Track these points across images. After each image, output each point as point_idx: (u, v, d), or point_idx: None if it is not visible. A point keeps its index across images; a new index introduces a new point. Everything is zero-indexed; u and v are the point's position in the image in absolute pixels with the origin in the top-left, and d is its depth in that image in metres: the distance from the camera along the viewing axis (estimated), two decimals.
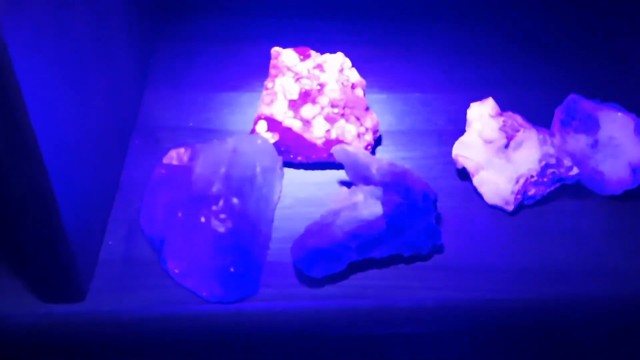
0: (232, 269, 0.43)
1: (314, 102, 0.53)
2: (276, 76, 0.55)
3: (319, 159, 0.52)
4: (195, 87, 0.60)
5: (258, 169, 0.48)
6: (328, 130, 0.52)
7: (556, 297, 0.45)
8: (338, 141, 0.52)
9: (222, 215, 0.44)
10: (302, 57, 0.56)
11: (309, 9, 0.70)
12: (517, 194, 0.50)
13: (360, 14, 0.70)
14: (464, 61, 0.65)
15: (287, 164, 0.53)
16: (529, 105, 0.58)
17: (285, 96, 0.53)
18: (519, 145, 0.50)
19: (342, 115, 0.53)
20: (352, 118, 0.53)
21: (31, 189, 0.36)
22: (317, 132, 0.52)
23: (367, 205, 0.45)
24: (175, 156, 0.49)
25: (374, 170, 0.47)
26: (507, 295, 0.45)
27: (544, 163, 0.50)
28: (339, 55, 0.57)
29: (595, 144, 0.51)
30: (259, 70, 0.61)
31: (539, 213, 0.50)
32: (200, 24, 0.68)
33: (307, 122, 0.53)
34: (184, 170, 0.47)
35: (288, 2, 0.70)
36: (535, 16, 0.71)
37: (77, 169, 0.41)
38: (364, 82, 0.56)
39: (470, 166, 0.51)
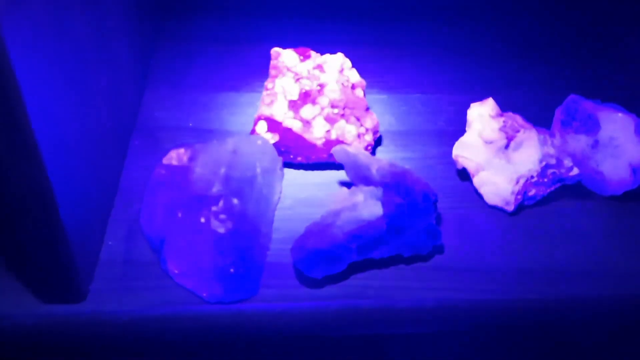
0: (232, 270, 0.43)
1: (314, 102, 0.53)
2: (276, 77, 0.55)
3: (319, 160, 0.52)
4: (195, 87, 0.60)
5: (258, 170, 0.48)
6: (328, 131, 0.52)
7: (556, 298, 0.45)
8: (338, 142, 0.52)
9: (222, 216, 0.44)
10: (302, 57, 0.56)
11: (309, 9, 0.70)
12: (518, 194, 0.49)
13: (361, 14, 0.70)
14: (464, 61, 0.65)
15: (287, 164, 0.53)
16: (529, 105, 0.58)
17: (285, 97, 0.53)
18: (519, 145, 0.50)
19: (342, 115, 0.53)
20: (352, 118, 0.53)
21: (31, 189, 0.36)
22: (317, 133, 0.52)
23: (367, 205, 0.45)
24: (175, 156, 0.49)
25: (374, 171, 0.47)
26: (507, 295, 0.45)
27: (544, 163, 0.50)
28: (339, 55, 0.57)
29: (595, 145, 0.51)
30: (259, 71, 0.61)
31: (539, 213, 0.50)
32: (200, 24, 0.68)
33: (307, 123, 0.53)
34: (184, 171, 0.47)
35: (288, 2, 0.70)
36: (536, 17, 0.71)
37: (77, 170, 0.41)
38: (364, 82, 0.56)
39: (470, 167, 0.51)
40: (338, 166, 0.51)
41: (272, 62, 0.56)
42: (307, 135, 0.52)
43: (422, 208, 0.46)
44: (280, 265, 0.45)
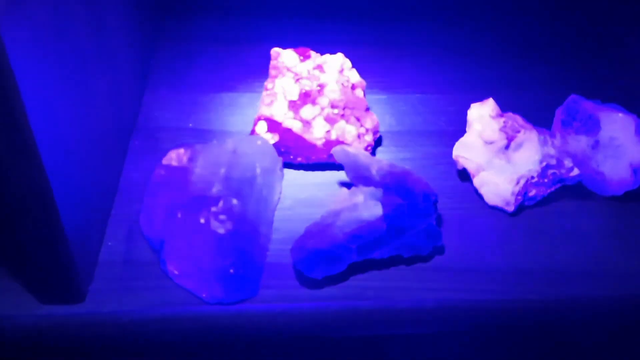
0: (231, 270, 0.43)
1: (314, 102, 0.53)
2: (276, 77, 0.55)
3: (319, 160, 0.52)
4: (195, 87, 0.60)
5: (258, 170, 0.48)
6: (328, 131, 0.52)
7: (556, 298, 0.45)
8: (338, 142, 0.52)
9: (222, 217, 0.44)
10: (302, 57, 0.56)
11: (309, 9, 0.70)
12: (518, 194, 0.49)
13: (360, 14, 0.70)
14: (465, 62, 0.65)
15: (287, 164, 0.53)
16: (530, 106, 0.58)
17: (285, 97, 0.53)
18: (520, 146, 0.50)
19: (342, 116, 0.53)
20: (352, 119, 0.53)
21: (30, 190, 0.36)
22: (317, 133, 0.52)
23: (367, 206, 0.45)
24: (175, 157, 0.49)
25: (374, 171, 0.47)
26: (507, 296, 0.45)
27: (544, 164, 0.50)
28: (339, 55, 0.57)
29: (596, 145, 0.51)
30: (259, 71, 0.61)
31: (539, 214, 0.50)
32: (200, 24, 0.68)
33: (307, 123, 0.52)
34: (184, 171, 0.47)
35: (288, 3, 0.70)
36: (536, 17, 0.71)
37: (76, 170, 0.41)
38: (364, 82, 0.56)
39: (470, 167, 0.51)
40: (338, 167, 0.51)
41: (272, 62, 0.56)
42: (307, 136, 0.52)
43: (422, 208, 0.46)
44: (280, 265, 0.45)
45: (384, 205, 0.45)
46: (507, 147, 0.51)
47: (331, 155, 0.51)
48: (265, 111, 0.53)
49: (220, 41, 0.66)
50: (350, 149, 0.49)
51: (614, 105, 0.51)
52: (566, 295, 0.45)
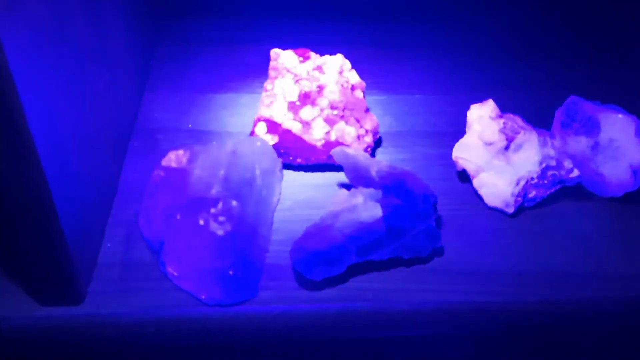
0: (231, 272, 0.43)
1: (313, 103, 0.53)
2: (276, 78, 0.55)
3: (319, 161, 0.52)
4: (194, 88, 0.60)
5: (257, 171, 0.48)
6: (327, 132, 0.52)
7: (556, 300, 0.45)
8: (338, 143, 0.52)
9: (221, 218, 0.44)
10: (301, 58, 0.56)
11: (309, 10, 0.70)
12: (518, 196, 0.49)
13: (360, 15, 0.70)
14: (464, 63, 0.65)
15: (287, 166, 0.53)
16: (529, 107, 0.58)
17: (284, 98, 0.53)
18: (519, 147, 0.50)
19: (342, 117, 0.53)
20: (352, 120, 0.53)
21: (29, 191, 0.36)
22: (317, 134, 0.52)
23: (367, 207, 0.45)
24: (174, 158, 0.49)
25: (373, 173, 0.47)
26: (507, 297, 0.44)
27: (544, 165, 0.49)
28: (339, 56, 0.57)
29: (595, 146, 0.51)
30: (258, 72, 0.61)
31: (539, 215, 0.50)
32: (199, 25, 0.68)
33: (306, 124, 0.52)
34: (183, 173, 0.47)
35: (288, 3, 0.70)
36: (535, 18, 0.71)
37: (75, 171, 0.41)
38: (363, 83, 0.56)
39: (470, 168, 0.51)
40: (337, 168, 0.51)
41: (272, 63, 0.56)
42: (306, 137, 0.52)
43: (421, 210, 0.46)
44: (280, 267, 0.45)
45: (383, 207, 0.45)
46: (506, 148, 0.51)
47: (331, 157, 0.51)
48: (265, 112, 0.53)
49: (219, 42, 0.66)
50: (349, 150, 0.49)
51: (614, 106, 0.51)
52: (566, 297, 0.45)
